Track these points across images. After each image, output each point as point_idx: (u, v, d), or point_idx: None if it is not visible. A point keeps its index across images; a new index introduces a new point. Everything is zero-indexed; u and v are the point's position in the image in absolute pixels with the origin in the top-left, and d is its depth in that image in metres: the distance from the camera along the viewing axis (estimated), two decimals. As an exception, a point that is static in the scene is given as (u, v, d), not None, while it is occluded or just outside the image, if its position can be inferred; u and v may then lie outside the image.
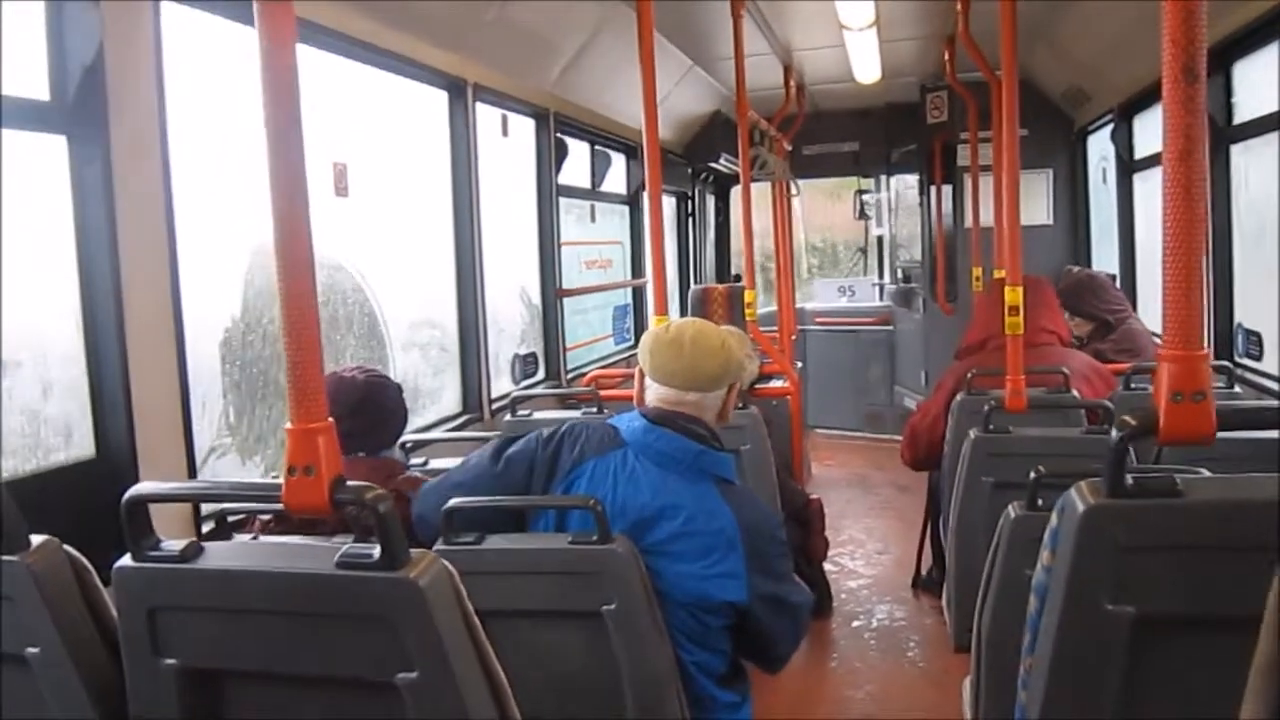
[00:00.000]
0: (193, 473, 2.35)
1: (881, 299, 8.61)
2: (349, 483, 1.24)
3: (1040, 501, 1.98)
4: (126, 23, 2.17)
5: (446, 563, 1.26)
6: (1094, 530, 1.27)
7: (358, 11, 3.03)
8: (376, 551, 1.21)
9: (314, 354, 1.24)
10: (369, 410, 2.37)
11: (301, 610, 1.26)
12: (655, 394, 2.15)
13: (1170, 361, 1.26)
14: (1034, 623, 1.39)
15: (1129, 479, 1.27)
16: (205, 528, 2.34)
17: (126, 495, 1.33)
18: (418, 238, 3.79)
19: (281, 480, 1.24)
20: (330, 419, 1.26)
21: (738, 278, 8.51)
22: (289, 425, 1.24)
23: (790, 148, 7.32)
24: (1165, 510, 1.26)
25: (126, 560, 1.33)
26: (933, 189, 7.41)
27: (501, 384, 4.28)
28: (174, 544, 1.31)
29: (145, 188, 2.22)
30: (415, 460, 2.99)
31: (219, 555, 1.32)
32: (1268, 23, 3.41)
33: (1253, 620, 1.25)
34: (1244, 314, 3.96)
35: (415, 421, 3.63)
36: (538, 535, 2.09)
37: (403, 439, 3.02)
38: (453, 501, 2.04)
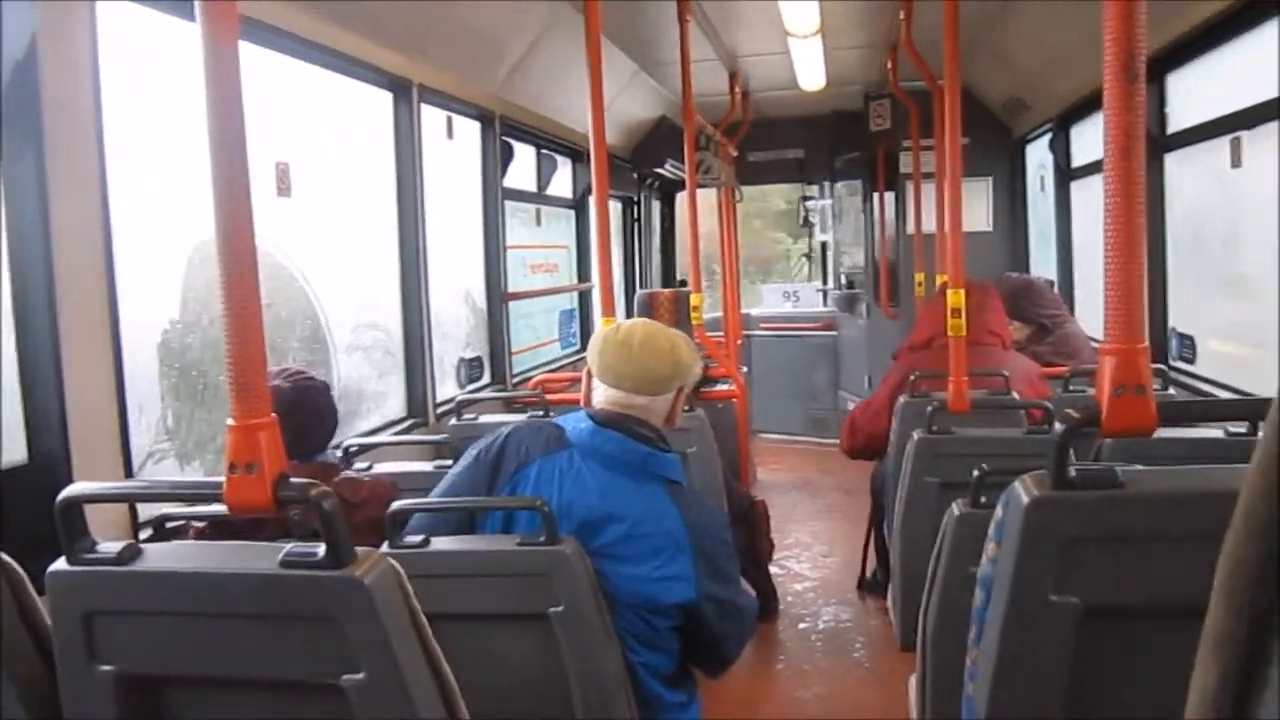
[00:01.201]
0: (130, 479, 2.29)
1: (826, 304, 8.69)
2: (293, 479, 1.22)
3: (983, 499, 2.01)
4: (61, 17, 2.12)
5: (393, 561, 1.25)
6: (1038, 522, 1.29)
7: (301, 8, 2.99)
8: (321, 550, 1.19)
9: (256, 349, 1.22)
10: (298, 417, 2.32)
11: (244, 612, 1.23)
12: (603, 395, 2.14)
13: (1112, 355, 1.28)
14: (980, 615, 1.41)
15: (1072, 471, 1.29)
16: (143, 535, 2.28)
17: (60, 496, 1.29)
18: (362, 239, 3.74)
19: (223, 478, 1.21)
20: (273, 415, 1.23)
21: (683, 283, 8.54)
22: (230, 421, 1.22)
23: (736, 154, 7.37)
24: (1108, 502, 1.28)
25: (60, 564, 1.29)
26: (876, 196, 7.50)
27: (447, 388, 4.24)
28: (111, 546, 1.28)
29: (80, 184, 2.16)
30: (359, 465, 2.95)
31: (158, 557, 1.28)
32: (1199, 36, 3.51)
33: (1195, 609, 1.28)
34: (1177, 318, 4.05)
35: (359, 426, 3.59)
36: (485, 537, 2.08)
37: (346, 443, 2.98)
38: (397, 504, 2.02)
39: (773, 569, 4.60)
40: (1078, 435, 1.29)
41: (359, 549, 1.21)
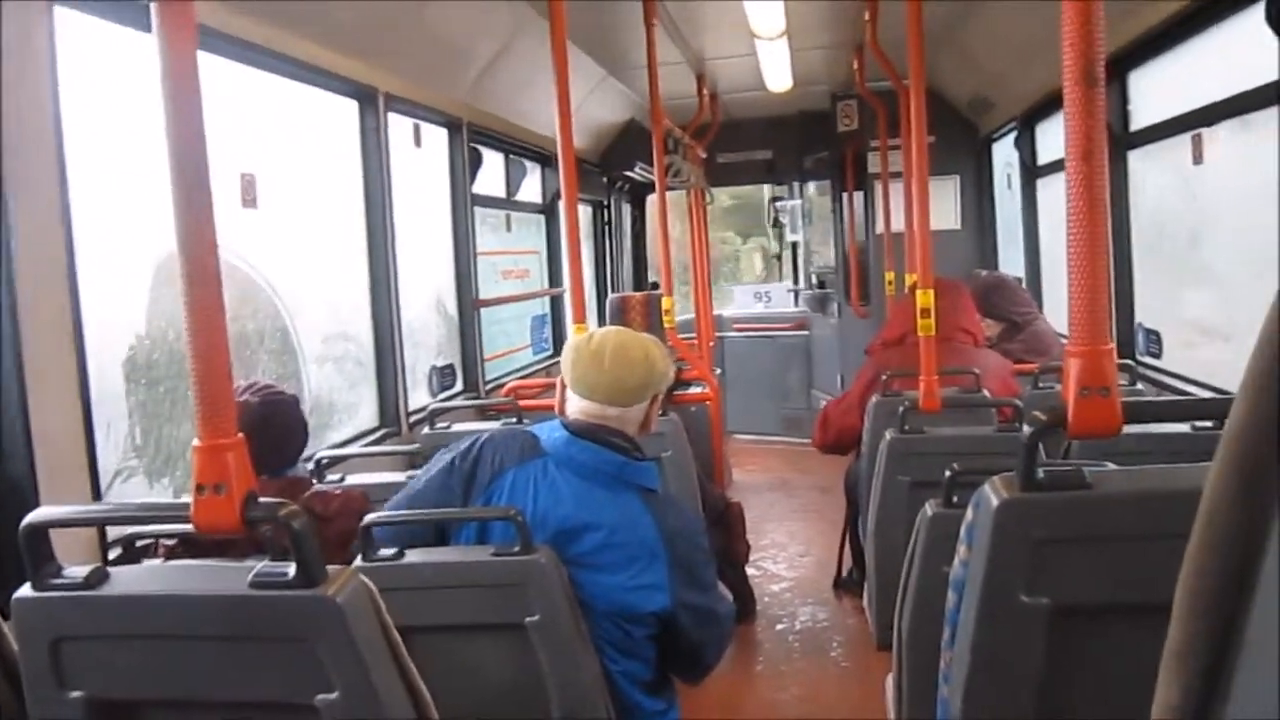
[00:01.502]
0: (98, 498, 2.26)
1: (797, 305, 8.72)
2: (261, 499, 1.21)
3: (956, 499, 2.02)
4: (17, 28, 2.09)
5: (365, 578, 1.24)
6: (1008, 524, 1.30)
7: (264, 18, 2.96)
8: (292, 570, 1.17)
9: (222, 368, 1.21)
10: (267, 433, 2.29)
11: (216, 634, 1.22)
12: (577, 406, 2.14)
13: (1077, 357, 1.30)
14: (953, 617, 1.42)
15: (1040, 473, 1.30)
16: (113, 554, 2.25)
17: (25, 521, 1.27)
18: (331, 249, 3.71)
19: (190, 500, 1.20)
20: (240, 434, 1.22)
21: (655, 285, 8.54)
22: (197, 442, 1.20)
23: (705, 155, 7.38)
24: (1076, 502, 1.30)
25: (26, 590, 1.27)
26: (845, 195, 7.54)
27: (419, 396, 4.22)
28: (77, 571, 1.26)
29: (40, 198, 2.12)
30: (332, 477, 2.93)
31: (126, 581, 1.26)
32: (1160, 34, 3.55)
33: (1163, 607, 1.29)
34: (1144, 314, 4.10)
35: (331, 437, 3.56)
36: (459, 549, 2.07)
37: (318, 455, 2.96)
38: (370, 518, 2.01)
39: (749, 570, 4.60)
40: (1045, 437, 1.30)
41: (330, 567, 1.20)
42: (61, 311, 2.18)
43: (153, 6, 1.16)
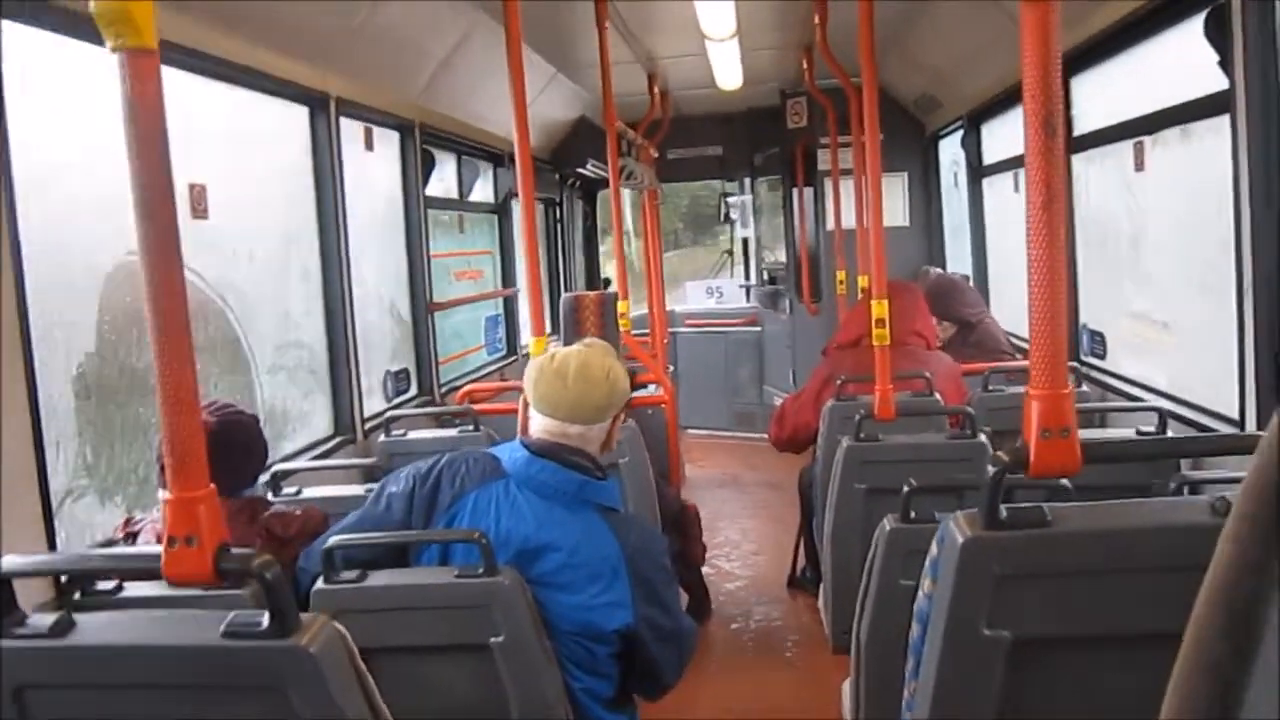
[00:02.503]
0: (49, 519, 2.22)
1: (749, 301, 8.78)
2: (234, 550, 1.20)
3: (913, 514, 2.07)
4: None
5: (339, 626, 1.24)
6: (971, 561, 1.34)
7: (212, 24, 2.91)
8: (265, 619, 1.17)
9: (193, 419, 1.20)
10: (226, 454, 2.26)
11: (187, 683, 1.21)
12: (539, 425, 2.15)
13: (1039, 400, 1.33)
14: (917, 647, 1.46)
15: (1003, 511, 1.34)
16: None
17: None
18: (282, 256, 3.67)
19: (160, 550, 1.19)
20: (212, 485, 1.21)
21: (607, 282, 8.55)
22: (167, 495, 1.19)
23: (656, 154, 7.39)
24: (1037, 540, 1.34)
25: None
26: (795, 192, 7.59)
27: (373, 402, 4.19)
28: (43, 619, 1.24)
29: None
30: (287, 489, 2.91)
31: (93, 629, 1.25)
32: (1102, 41, 3.62)
33: (1120, 639, 1.35)
34: (1088, 315, 4.19)
35: (286, 447, 3.52)
36: (423, 570, 2.08)
37: (274, 468, 2.93)
38: (332, 540, 2.01)
39: (704, 569, 4.65)
40: (1006, 477, 1.34)
41: (304, 615, 1.20)
42: (9, 329, 2.13)
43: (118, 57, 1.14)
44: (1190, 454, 2.28)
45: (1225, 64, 2.68)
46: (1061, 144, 1.29)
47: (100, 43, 1.16)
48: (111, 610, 1.69)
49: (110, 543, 2.34)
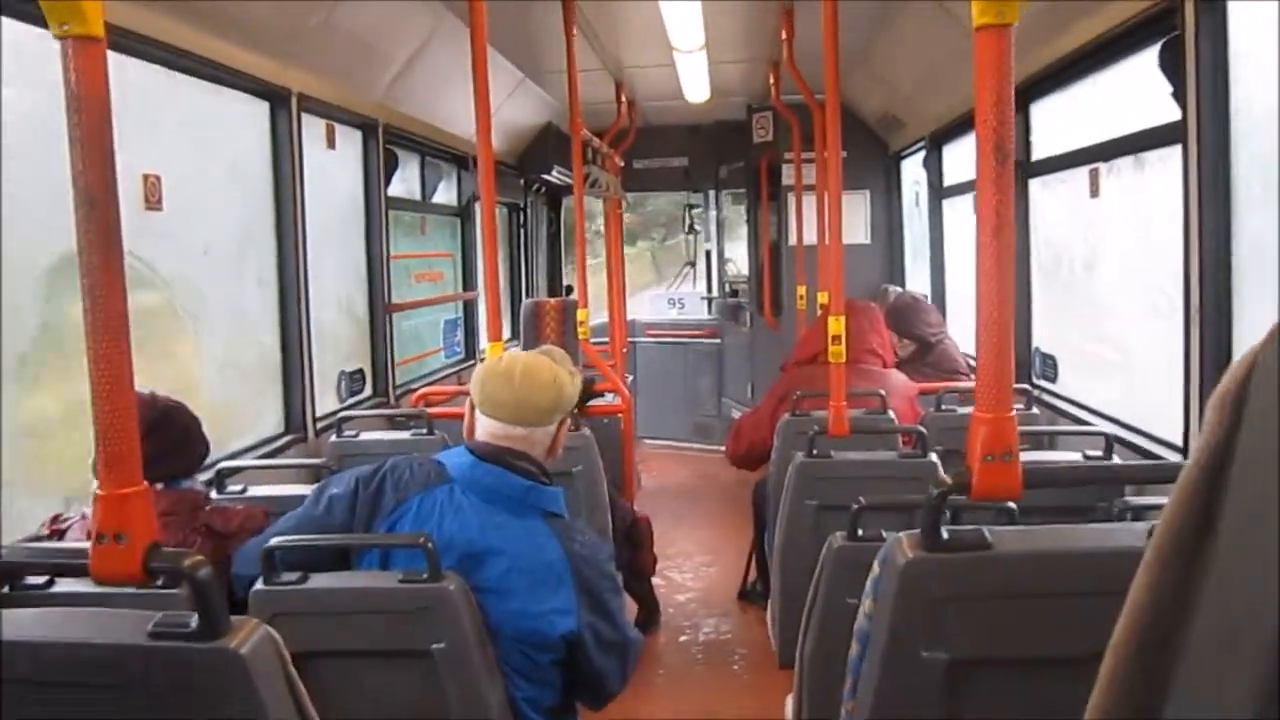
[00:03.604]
0: None
1: (710, 312, 8.80)
2: (164, 549, 1.18)
3: (861, 531, 2.08)
4: None
5: (270, 630, 1.22)
6: (912, 583, 1.35)
7: (174, 14, 2.87)
8: (194, 620, 1.15)
9: (127, 413, 1.17)
10: (167, 431, 2.23)
11: (111, 683, 1.18)
12: (484, 427, 2.14)
13: (983, 424, 1.34)
14: (855, 667, 1.46)
15: (944, 533, 1.35)
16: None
17: None
18: (239, 251, 3.61)
19: (88, 546, 1.16)
20: (144, 483, 1.19)
21: (569, 289, 8.53)
22: (99, 490, 1.17)
23: (622, 163, 7.39)
24: (977, 563, 1.35)
25: None
26: (759, 206, 7.62)
27: (327, 402, 4.14)
28: None
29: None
30: (233, 488, 2.87)
31: (18, 625, 1.22)
32: (1060, 69, 3.68)
33: (1055, 661, 1.36)
34: (1041, 338, 4.25)
35: (232, 445, 3.47)
36: (365, 574, 2.06)
37: (219, 466, 2.89)
38: (273, 541, 1.98)
39: (655, 580, 4.64)
40: (948, 500, 1.35)
41: (234, 618, 1.18)
42: None
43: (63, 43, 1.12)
44: (1124, 481, 2.32)
45: (1178, 95, 2.73)
46: (1012, 172, 1.31)
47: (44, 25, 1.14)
48: (42, 606, 1.66)
49: (37, 539, 2.29)
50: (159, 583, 1.19)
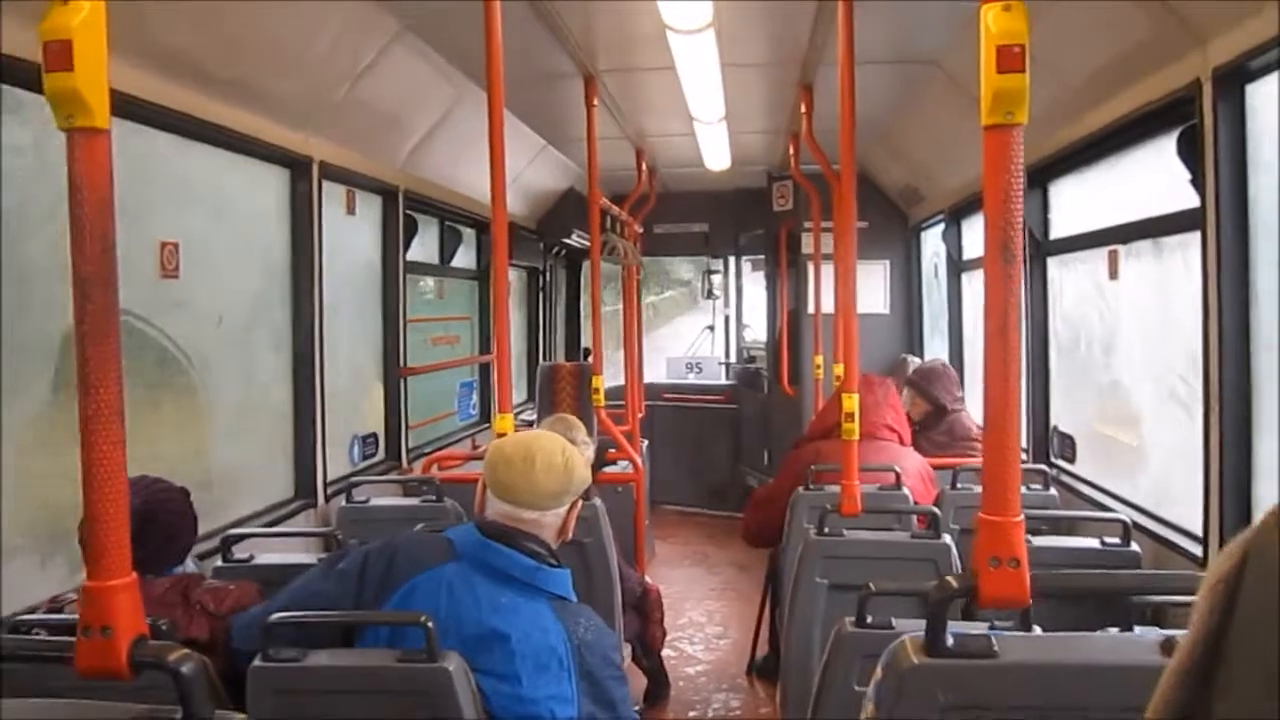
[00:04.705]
0: None
1: (728, 378, 8.78)
2: (149, 642, 1.16)
3: (869, 618, 2.03)
4: None
5: None
6: (914, 690, 1.31)
7: (196, 88, 2.92)
8: (179, 716, 1.13)
9: (119, 506, 1.16)
10: (151, 532, 2.20)
11: None
12: (495, 508, 2.12)
13: (988, 527, 1.31)
14: (860, 773, 1.42)
15: (950, 638, 1.31)
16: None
17: None
18: (253, 317, 3.63)
19: (74, 639, 1.15)
20: (134, 574, 1.17)
21: (587, 352, 8.54)
22: (86, 582, 1.15)
23: (641, 229, 7.44)
24: (981, 672, 1.31)
25: None
26: (778, 274, 7.64)
27: (340, 467, 4.13)
28: None
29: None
30: (239, 555, 2.85)
31: (6, 715, 1.20)
32: (1077, 151, 3.68)
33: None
34: (1059, 418, 4.20)
35: (241, 510, 3.45)
36: (364, 651, 2.02)
37: (227, 534, 2.88)
38: (274, 616, 1.96)
39: (665, 652, 4.56)
40: (952, 603, 1.31)
41: (220, 712, 1.15)
42: None
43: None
44: (1139, 592, 2.26)
45: (1196, 182, 2.72)
46: (1020, 269, 1.30)
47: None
48: (34, 680, 1.64)
49: (33, 610, 2.26)
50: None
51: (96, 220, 1.13)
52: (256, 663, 1.91)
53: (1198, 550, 2.79)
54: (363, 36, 3.49)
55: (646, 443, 6.64)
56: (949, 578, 1.35)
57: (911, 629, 1.47)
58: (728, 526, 7.57)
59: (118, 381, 1.16)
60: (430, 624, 1.88)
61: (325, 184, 3.83)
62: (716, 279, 9.00)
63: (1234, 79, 2.56)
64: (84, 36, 1.10)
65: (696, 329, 9.33)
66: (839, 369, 4.85)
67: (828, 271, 6.27)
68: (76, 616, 1.18)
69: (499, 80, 3.05)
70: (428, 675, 1.88)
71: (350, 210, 4.23)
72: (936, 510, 3.01)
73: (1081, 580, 2.07)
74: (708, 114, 5.18)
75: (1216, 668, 0.49)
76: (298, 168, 3.70)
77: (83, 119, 1.11)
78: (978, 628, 1.46)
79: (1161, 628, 1.73)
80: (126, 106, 2.47)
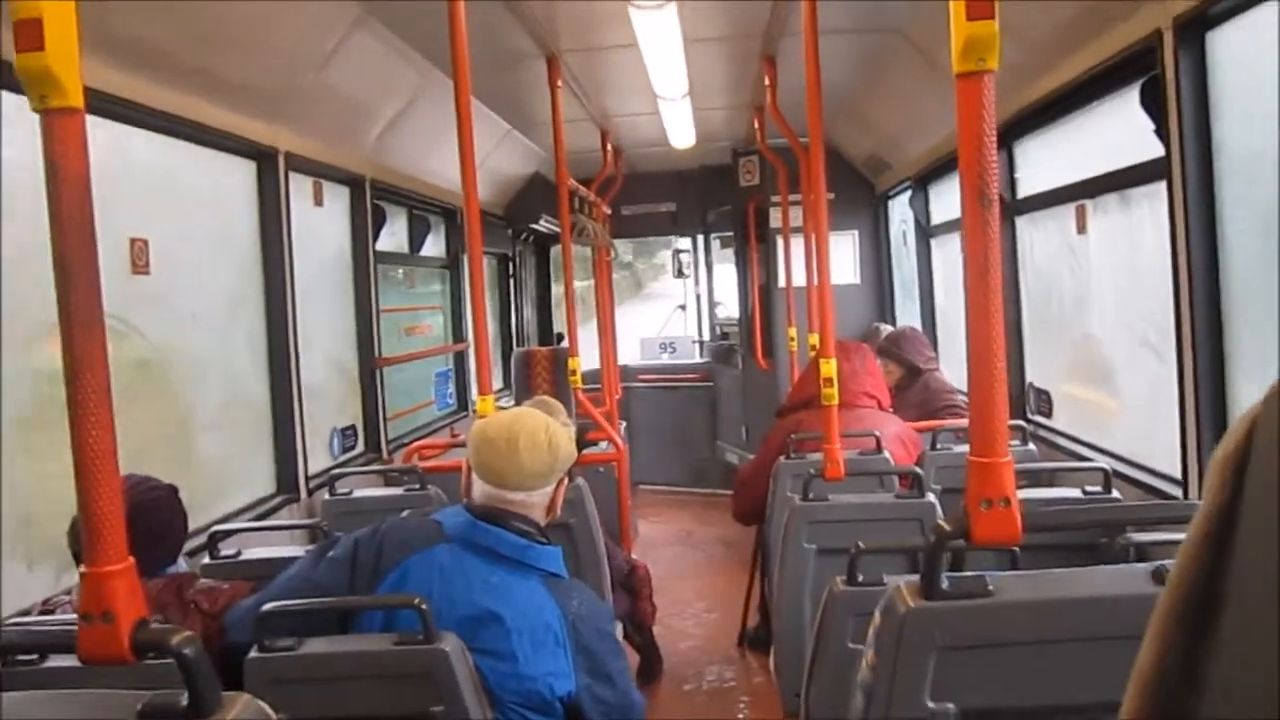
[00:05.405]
0: None
1: (702, 356, 8.80)
2: (151, 626, 1.15)
3: (860, 576, 2.05)
4: None
5: (261, 704, 1.19)
6: (914, 633, 1.32)
7: (158, 80, 2.88)
8: (184, 699, 1.12)
9: (111, 489, 1.15)
10: (142, 534, 2.18)
11: None
12: (481, 490, 2.12)
13: (977, 469, 1.33)
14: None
15: (945, 581, 1.33)
16: None
17: None
18: (228, 311, 3.60)
19: (75, 627, 1.14)
20: (130, 558, 1.16)
21: (560, 336, 8.53)
22: (83, 569, 1.14)
23: (609, 211, 7.43)
24: (979, 611, 1.32)
25: None
26: (748, 249, 7.65)
27: (320, 460, 4.11)
28: None
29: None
30: (226, 551, 2.83)
31: (7, 708, 1.19)
32: (1043, 108, 3.71)
33: (1061, 709, 1.33)
34: (1034, 374, 4.24)
35: (225, 506, 3.43)
36: (361, 637, 2.02)
37: (212, 529, 2.86)
38: (267, 606, 1.95)
39: (655, 628, 4.58)
40: (948, 547, 1.33)
41: (225, 694, 1.15)
42: None
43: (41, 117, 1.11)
44: (1127, 522, 2.30)
45: (1161, 132, 2.75)
46: (997, 215, 1.31)
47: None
48: (34, 678, 1.63)
49: (26, 613, 2.24)
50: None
51: (76, 202, 1.11)
52: (253, 654, 1.90)
53: (1178, 493, 2.84)
54: (324, 22, 3.45)
55: (625, 424, 6.65)
56: (941, 522, 1.37)
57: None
58: (709, 504, 7.60)
59: (104, 367, 1.15)
60: (425, 606, 1.88)
61: (292, 176, 3.79)
62: (685, 258, 8.99)
63: (1195, 27, 2.58)
64: (54, 13, 1.08)
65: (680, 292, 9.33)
66: (814, 338, 4.89)
67: (797, 244, 6.30)
68: (70, 616, 1.18)
69: (464, 62, 3.02)
70: (425, 657, 1.88)
71: (318, 202, 4.19)
72: (918, 470, 3.04)
73: (1073, 516, 2.10)
74: (671, 90, 5.17)
75: (1229, 541, 0.50)
76: (264, 159, 3.66)
77: (57, 99, 1.10)
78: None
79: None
80: (90, 100, 2.43)
